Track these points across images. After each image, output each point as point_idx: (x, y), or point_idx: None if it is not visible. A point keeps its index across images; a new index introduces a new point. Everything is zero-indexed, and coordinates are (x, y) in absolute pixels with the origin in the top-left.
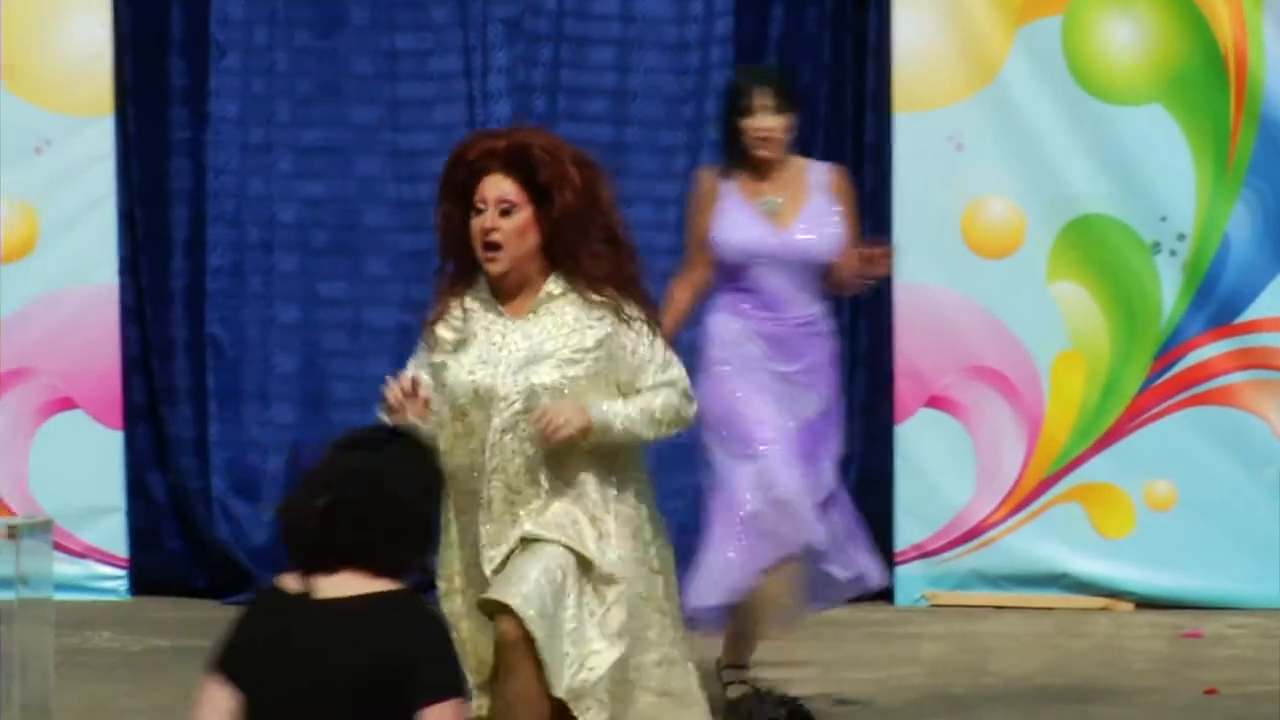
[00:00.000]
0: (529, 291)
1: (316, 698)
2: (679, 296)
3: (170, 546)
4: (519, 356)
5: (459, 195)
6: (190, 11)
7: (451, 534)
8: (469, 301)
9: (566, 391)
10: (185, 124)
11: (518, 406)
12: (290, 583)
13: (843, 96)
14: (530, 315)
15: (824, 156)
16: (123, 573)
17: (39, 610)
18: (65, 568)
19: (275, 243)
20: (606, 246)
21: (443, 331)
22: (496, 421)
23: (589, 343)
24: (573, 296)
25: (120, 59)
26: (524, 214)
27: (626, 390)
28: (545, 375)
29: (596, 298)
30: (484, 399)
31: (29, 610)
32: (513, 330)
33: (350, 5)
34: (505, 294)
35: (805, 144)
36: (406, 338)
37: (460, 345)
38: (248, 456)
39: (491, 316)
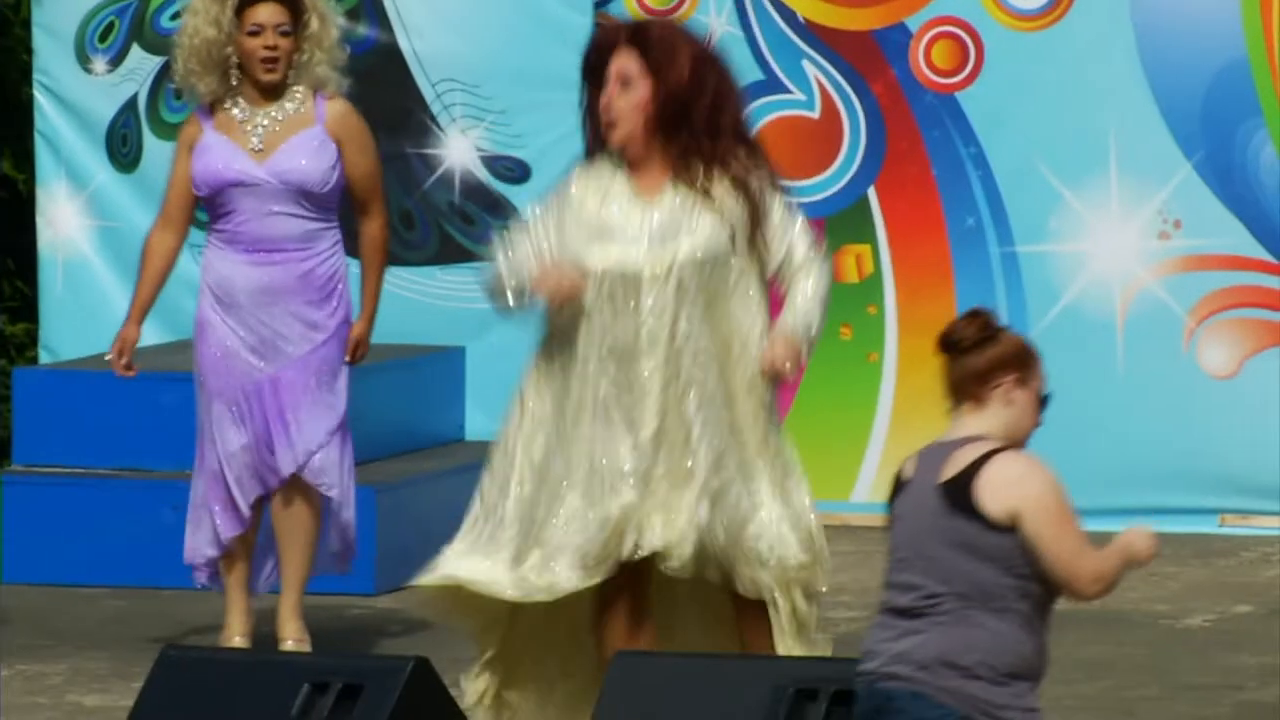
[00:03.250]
0: (652, 170)
1: None
2: None
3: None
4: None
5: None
6: None
7: None
8: (594, 182)
9: (708, 268)
10: None
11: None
12: None
13: None
14: (658, 196)
15: None
16: None
17: None
18: None
19: None
20: (712, 136)
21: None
22: (648, 302)
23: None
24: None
25: None
26: (642, 88)
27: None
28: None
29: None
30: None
31: None
32: (643, 209)
33: None
34: (631, 171)
35: None
36: None
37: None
38: None
39: (623, 196)
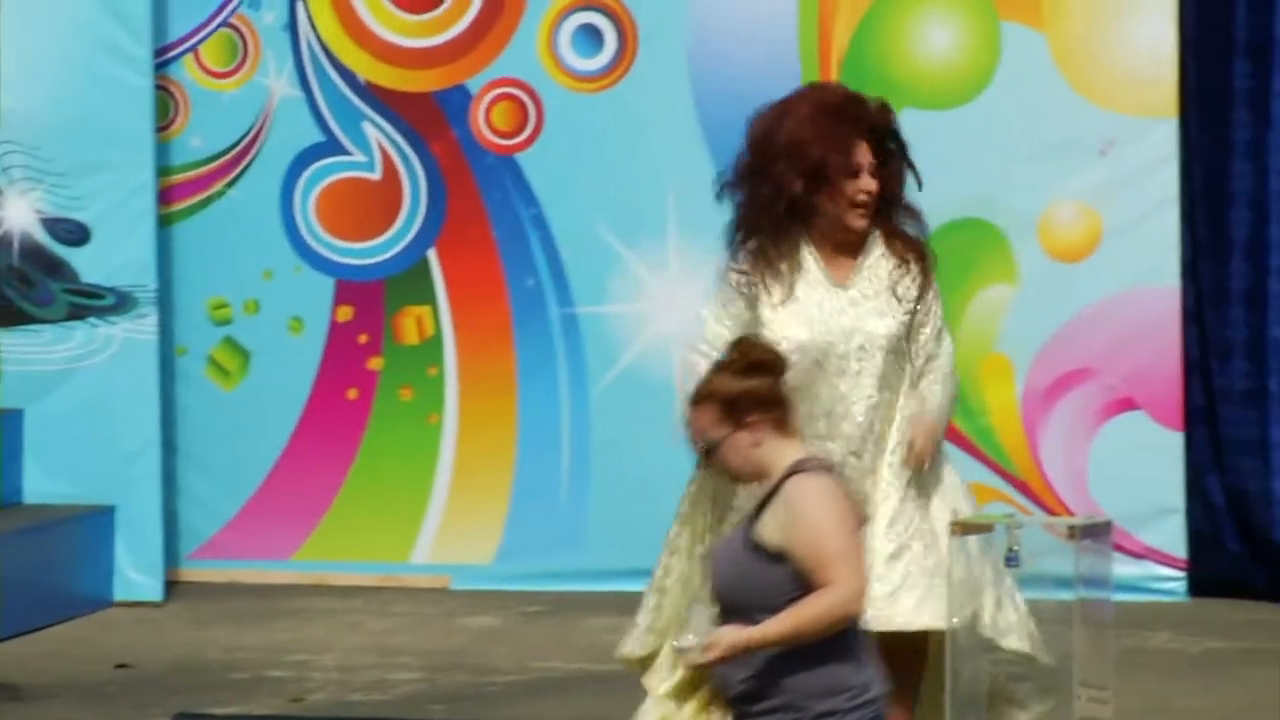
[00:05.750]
0: (851, 253)
1: None
2: None
3: (1229, 548)
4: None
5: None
6: (1255, 13)
7: None
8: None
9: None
10: (1247, 125)
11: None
12: None
13: None
14: (853, 277)
15: None
16: (1182, 574)
17: (1098, 611)
18: (1124, 569)
19: None
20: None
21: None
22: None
23: (907, 299)
24: (887, 255)
25: (1184, 61)
26: (876, 179)
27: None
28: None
29: (904, 255)
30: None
31: (1088, 611)
32: (839, 294)
33: None
34: (832, 254)
35: None
36: None
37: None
38: None
39: (816, 277)
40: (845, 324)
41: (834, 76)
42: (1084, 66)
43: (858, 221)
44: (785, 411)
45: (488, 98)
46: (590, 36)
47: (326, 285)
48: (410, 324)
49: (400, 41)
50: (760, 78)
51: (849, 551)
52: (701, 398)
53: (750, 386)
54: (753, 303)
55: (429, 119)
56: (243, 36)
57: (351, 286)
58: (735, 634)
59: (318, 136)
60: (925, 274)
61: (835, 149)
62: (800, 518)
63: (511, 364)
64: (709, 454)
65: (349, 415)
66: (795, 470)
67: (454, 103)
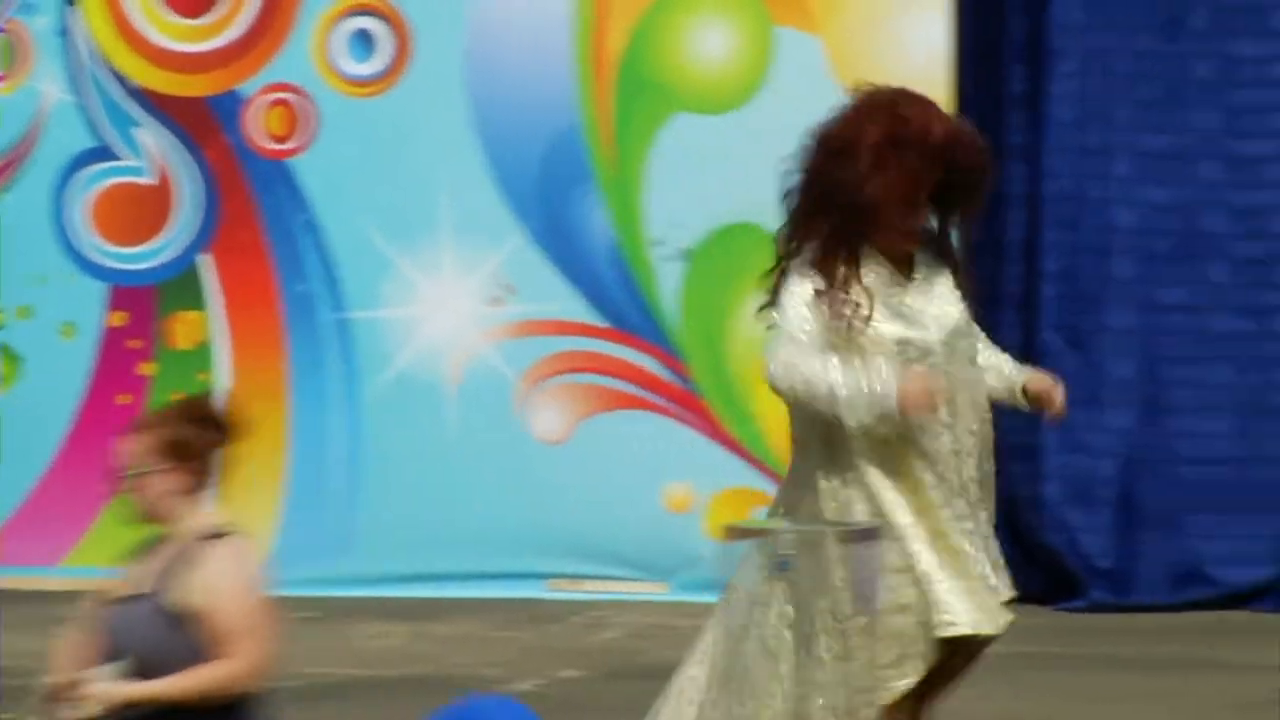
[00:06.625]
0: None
1: None
2: None
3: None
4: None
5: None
6: (1030, 17)
7: None
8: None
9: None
10: (1021, 129)
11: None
12: None
13: None
14: (915, 272)
15: None
16: None
17: (869, 616)
18: None
19: (1112, 248)
20: None
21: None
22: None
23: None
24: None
25: (959, 65)
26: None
27: None
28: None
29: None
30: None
31: (860, 616)
32: (912, 288)
33: (1190, 10)
34: (892, 255)
35: None
36: (1248, 344)
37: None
38: (1080, 463)
39: (887, 275)
40: (933, 312)
41: (610, 80)
42: (858, 70)
43: (910, 247)
44: (214, 473)
45: (261, 102)
46: (364, 41)
47: (99, 291)
48: (182, 329)
49: (174, 46)
50: (535, 80)
51: (256, 627)
52: (147, 425)
53: (195, 436)
54: (838, 313)
55: (202, 124)
56: (16, 41)
57: (124, 292)
58: (114, 688)
59: (91, 142)
60: (958, 265)
61: (893, 194)
62: (216, 585)
63: (283, 370)
64: (123, 480)
65: (121, 421)
66: (216, 534)
67: (227, 107)
